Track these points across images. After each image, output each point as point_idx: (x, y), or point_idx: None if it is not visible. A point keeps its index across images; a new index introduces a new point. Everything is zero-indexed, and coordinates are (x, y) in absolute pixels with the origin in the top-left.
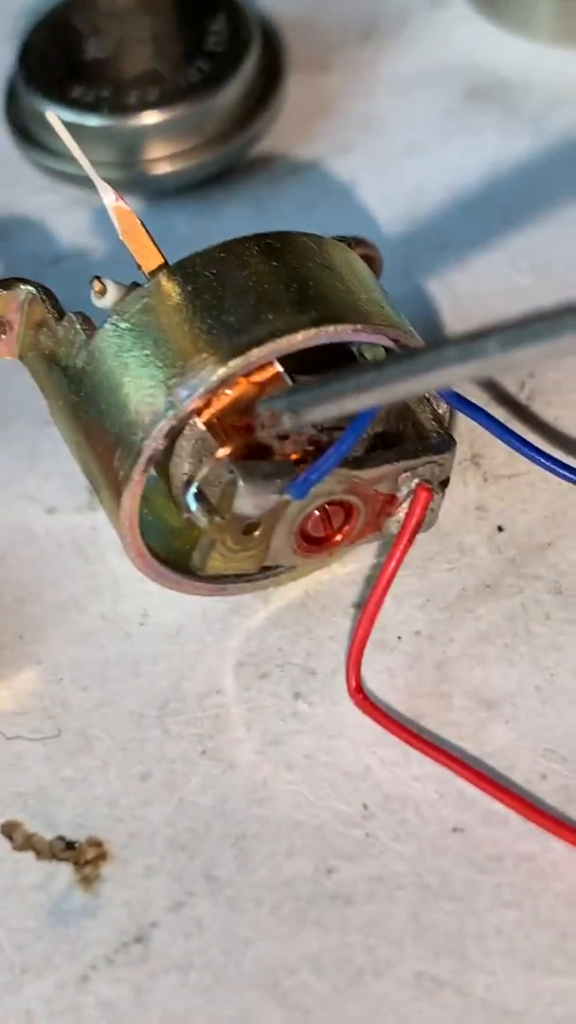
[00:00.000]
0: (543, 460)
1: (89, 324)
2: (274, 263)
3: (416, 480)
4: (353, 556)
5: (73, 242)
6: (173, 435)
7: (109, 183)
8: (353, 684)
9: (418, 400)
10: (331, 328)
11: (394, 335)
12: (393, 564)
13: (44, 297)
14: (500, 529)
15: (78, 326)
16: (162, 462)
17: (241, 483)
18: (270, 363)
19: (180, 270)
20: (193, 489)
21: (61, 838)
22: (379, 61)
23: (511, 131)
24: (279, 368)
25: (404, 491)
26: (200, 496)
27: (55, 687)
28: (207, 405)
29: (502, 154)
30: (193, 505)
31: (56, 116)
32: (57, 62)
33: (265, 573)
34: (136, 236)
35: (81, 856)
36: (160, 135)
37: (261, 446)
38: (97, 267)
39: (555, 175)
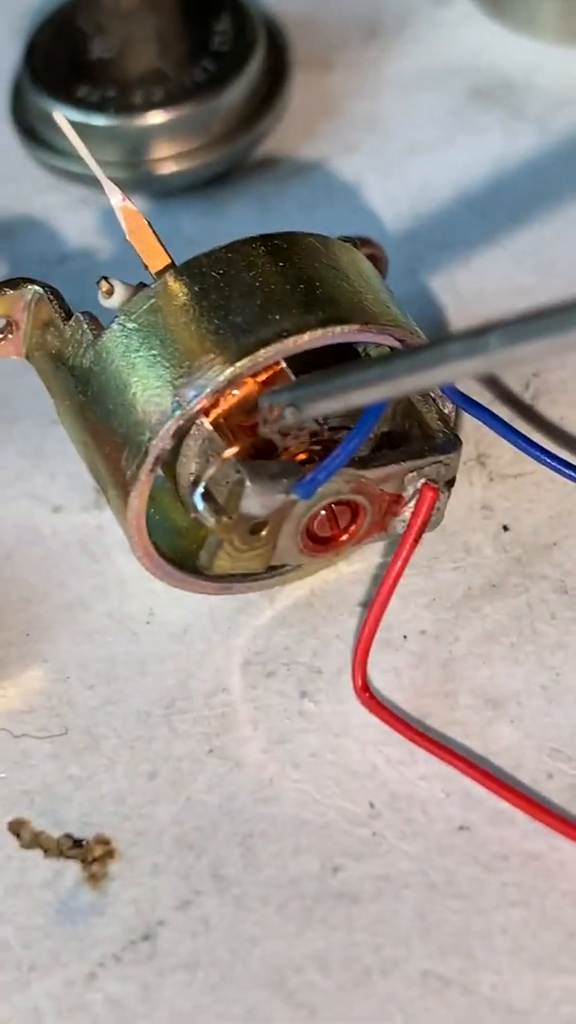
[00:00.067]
0: (549, 460)
1: (96, 324)
2: (281, 264)
3: (422, 480)
4: (359, 555)
5: (79, 242)
6: (180, 435)
7: (114, 183)
8: (359, 683)
9: (424, 400)
10: (338, 328)
11: (400, 335)
12: (399, 563)
13: (51, 297)
14: (506, 528)
15: (85, 326)
16: (169, 462)
17: (248, 483)
18: (277, 363)
19: (187, 270)
20: (200, 489)
21: (68, 836)
22: (383, 60)
23: (515, 130)
24: (286, 368)
25: (410, 491)
26: (207, 496)
27: (62, 686)
28: (214, 405)
29: (507, 153)
30: (200, 505)
31: (63, 116)
32: (62, 62)
33: (271, 572)
34: (143, 236)
35: (88, 854)
36: (165, 135)
37: (268, 446)
38: (103, 267)
39: (560, 174)
